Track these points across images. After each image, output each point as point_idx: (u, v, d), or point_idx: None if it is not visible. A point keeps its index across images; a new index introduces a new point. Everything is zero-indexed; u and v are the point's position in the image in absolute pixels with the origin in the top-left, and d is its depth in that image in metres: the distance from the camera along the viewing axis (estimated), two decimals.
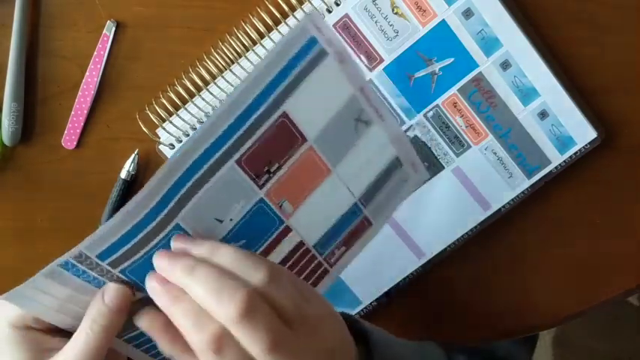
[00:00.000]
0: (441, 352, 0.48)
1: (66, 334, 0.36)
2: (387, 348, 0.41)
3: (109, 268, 0.34)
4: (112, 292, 0.34)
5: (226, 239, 0.35)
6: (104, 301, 0.34)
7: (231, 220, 0.35)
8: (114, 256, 0.33)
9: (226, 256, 0.33)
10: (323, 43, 0.34)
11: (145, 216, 0.32)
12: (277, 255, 0.37)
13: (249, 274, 0.32)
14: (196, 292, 0.32)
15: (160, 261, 0.34)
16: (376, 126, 0.38)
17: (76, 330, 0.35)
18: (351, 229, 0.40)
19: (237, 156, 0.33)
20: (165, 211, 0.33)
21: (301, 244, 0.38)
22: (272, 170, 0.35)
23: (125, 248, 0.33)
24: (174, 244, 0.34)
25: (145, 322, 0.34)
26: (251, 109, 0.33)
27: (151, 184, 0.32)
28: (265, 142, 0.34)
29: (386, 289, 0.53)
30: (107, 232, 0.32)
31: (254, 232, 0.36)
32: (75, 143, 0.52)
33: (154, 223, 0.33)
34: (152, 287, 0.34)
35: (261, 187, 0.35)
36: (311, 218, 0.38)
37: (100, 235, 0.32)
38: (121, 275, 0.34)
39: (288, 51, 0.33)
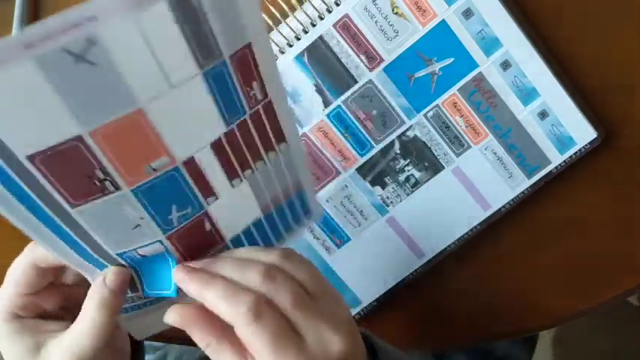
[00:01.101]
0: None
1: (58, 316, 0.38)
2: (386, 349, 0.41)
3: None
4: (112, 275, 0.35)
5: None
6: (106, 284, 0.35)
7: (142, 218, 0.33)
8: None
9: (240, 252, 0.36)
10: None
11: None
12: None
13: (265, 255, 0.36)
14: (222, 271, 0.35)
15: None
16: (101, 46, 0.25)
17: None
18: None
19: (65, 203, 0.30)
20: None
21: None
22: (102, 179, 0.30)
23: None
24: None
25: (176, 317, 0.36)
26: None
27: None
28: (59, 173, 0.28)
29: (386, 289, 0.53)
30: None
31: (169, 198, 0.33)
32: None
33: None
34: (181, 278, 0.35)
35: (115, 189, 0.30)
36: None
37: None
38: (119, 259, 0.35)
39: None
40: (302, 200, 0.41)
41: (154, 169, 0.31)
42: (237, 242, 0.39)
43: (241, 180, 0.35)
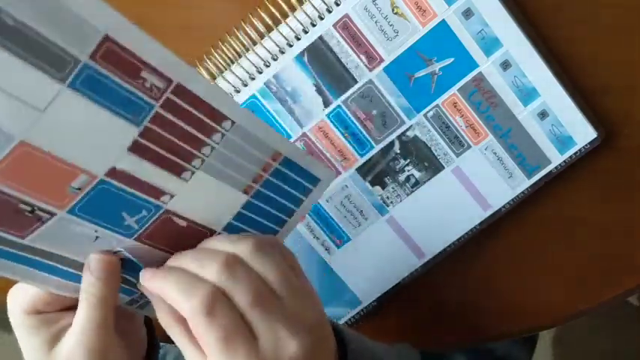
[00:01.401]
0: (416, 353, 0.48)
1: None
2: (360, 344, 0.40)
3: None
4: (94, 263, 0.34)
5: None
6: (91, 273, 0.34)
7: (96, 231, 0.33)
8: None
9: (210, 241, 0.36)
10: None
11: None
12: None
13: (232, 247, 0.34)
14: (181, 263, 0.34)
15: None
16: None
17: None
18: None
19: None
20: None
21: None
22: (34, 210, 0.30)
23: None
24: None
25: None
26: None
27: None
28: None
29: (386, 289, 0.53)
30: None
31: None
32: None
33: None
34: (146, 277, 0.34)
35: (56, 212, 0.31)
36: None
37: None
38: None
39: None
40: (295, 169, 0.38)
41: (78, 189, 0.30)
42: (232, 229, 0.37)
43: (192, 172, 0.34)
